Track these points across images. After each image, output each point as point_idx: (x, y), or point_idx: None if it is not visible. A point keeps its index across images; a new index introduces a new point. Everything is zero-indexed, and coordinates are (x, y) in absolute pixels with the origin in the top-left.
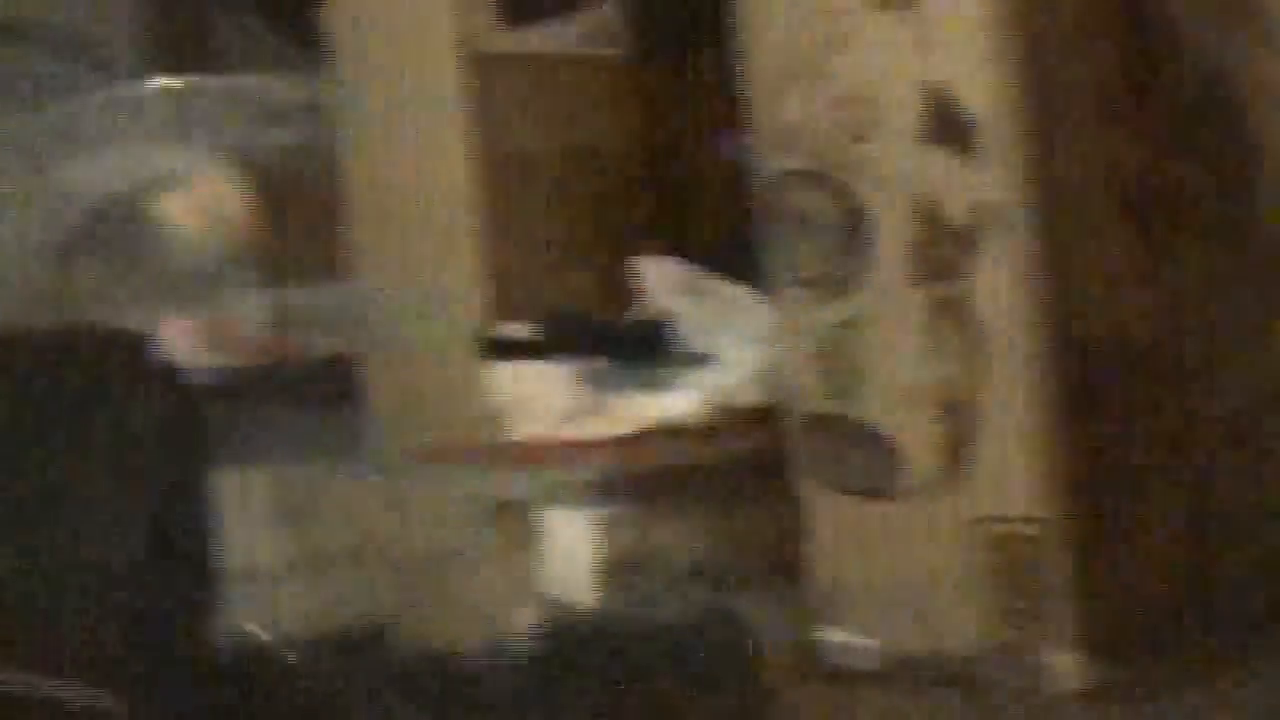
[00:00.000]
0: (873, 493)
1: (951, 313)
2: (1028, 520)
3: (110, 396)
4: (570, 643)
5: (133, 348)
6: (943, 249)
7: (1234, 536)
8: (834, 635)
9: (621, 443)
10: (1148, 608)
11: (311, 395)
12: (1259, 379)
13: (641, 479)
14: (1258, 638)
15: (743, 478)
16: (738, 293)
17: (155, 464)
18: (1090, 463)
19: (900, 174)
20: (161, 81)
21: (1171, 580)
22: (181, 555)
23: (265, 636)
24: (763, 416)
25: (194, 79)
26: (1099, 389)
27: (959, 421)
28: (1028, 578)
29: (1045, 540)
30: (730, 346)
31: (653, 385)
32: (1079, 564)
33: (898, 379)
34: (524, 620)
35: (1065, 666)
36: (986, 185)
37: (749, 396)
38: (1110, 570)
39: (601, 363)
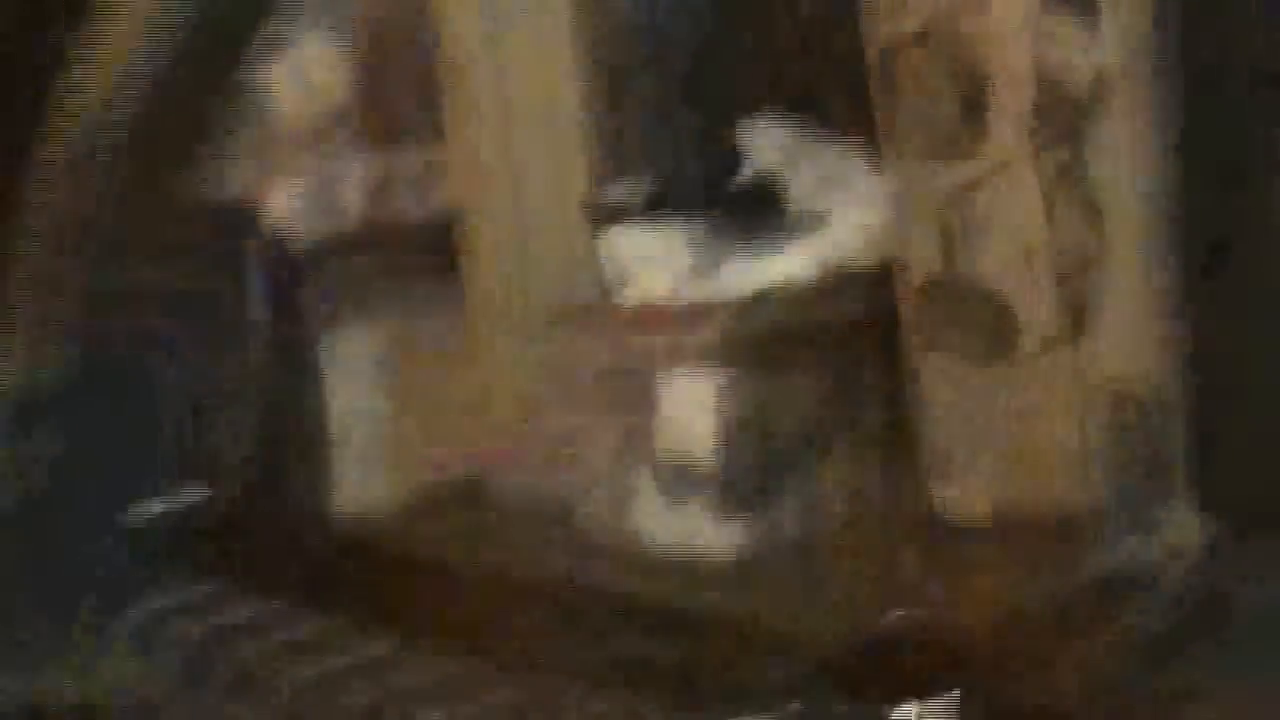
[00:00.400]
0: (988, 355)
1: (1070, 177)
2: (1145, 382)
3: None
4: None
5: (242, 215)
6: (1062, 113)
7: None
8: (947, 492)
9: (735, 306)
10: (1265, 471)
11: (414, 259)
12: None
13: (755, 342)
14: None
15: (857, 340)
16: (850, 154)
17: (264, 326)
18: (1210, 326)
19: (1020, 37)
20: None
21: None
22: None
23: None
24: (877, 279)
25: None
26: (1220, 253)
27: (1076, 285)
28: (1144, 438)
29: (1162, 402)
30: (843, 209)
31: (765, 248)
32: (1196, 425)
33: (1015, 243)
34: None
35: (1179, 527)
36: (1107, 50)
37: (863, 259)
38: (1228, 433)
39: (713, 226)
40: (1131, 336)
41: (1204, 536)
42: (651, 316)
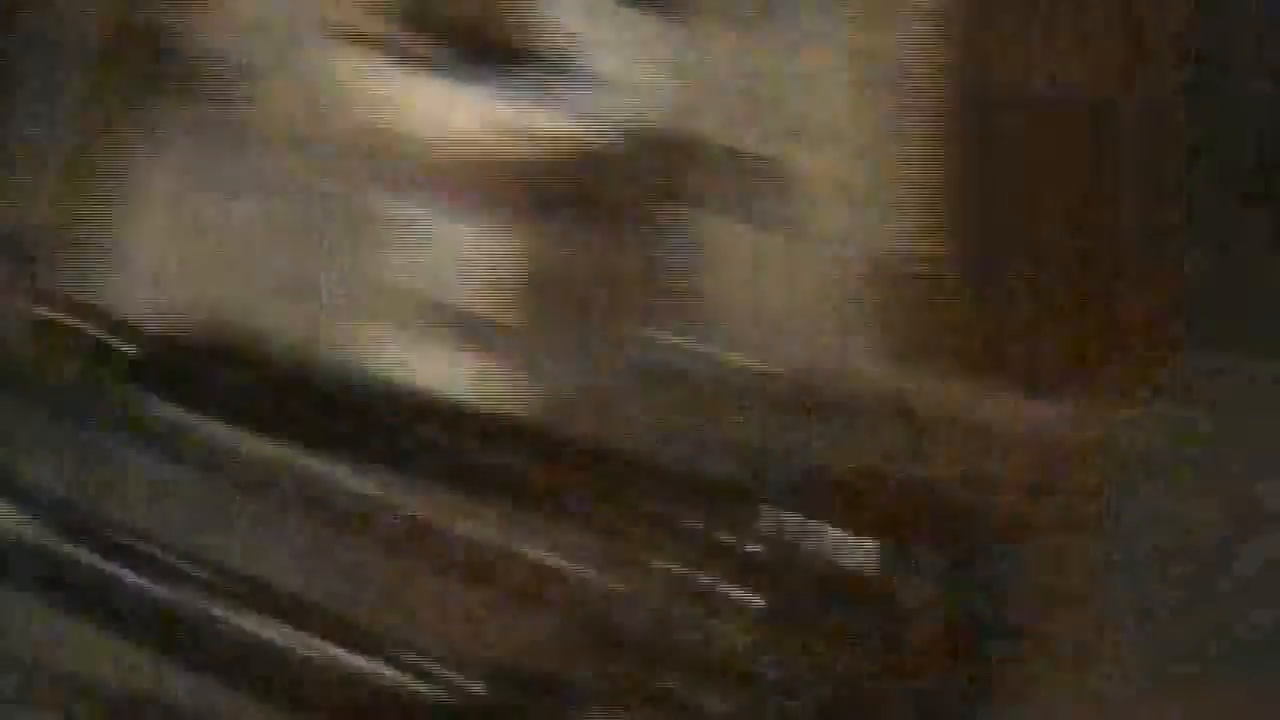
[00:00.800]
0: (770, 225)
1: (863, 55)
2: (920, 258)
3: None
4: None
5: None
6: None
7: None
8: (718, 356)
9: (520, 162)
10: (1030, 345)
11: None
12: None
13: (540, 199)
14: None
15: (639, 201)
16: (643, 17)
17: None
18: (984, 206)
19: None
20: None
21: (1055, 321)
22: None
23: None
24: (665, 143)
25: None
26: (1000, 139)
27: (861, 161)
28: (917, 313)
29: (936, 278)
30: (634, 71)
31: (553, 107)
32: (966, 302)
33: (804, 116)
34: None
35: (949, 396)
36: None
37: (650, 121)
38: (995, 309)
39: (500, 81)
40: (910, 209)
41: (968, 407)
42: (431, 164)
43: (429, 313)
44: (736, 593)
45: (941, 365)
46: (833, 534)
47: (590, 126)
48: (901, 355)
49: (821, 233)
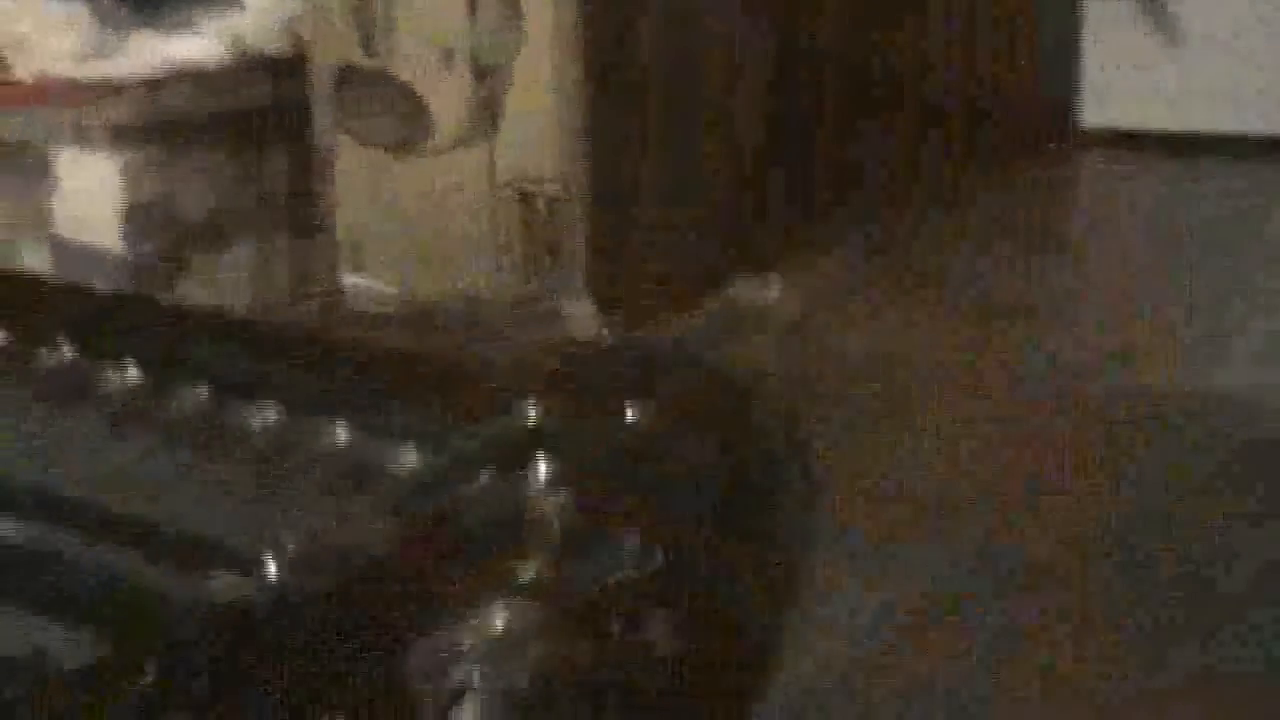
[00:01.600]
0: (400, 147)
1: None
2: (551, 180)
3: None
4: None
5: None
6: None
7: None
8: (355, 281)
9: (138, 86)
10: (655, 265)
11: None
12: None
13: (160, 124)
14: None
15: (268, 126)
16: None
17: None
18: (611, 130)
19: None
20: None
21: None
22: None
23: None
24: (289, 65)
25: None
26: (618, 62)
27: (490, 84)
28: (548, 234)
29: (566, 200)
30: None
31: (173, 27)
32: (596, 223)
33: (433, 39)
34: None
35: (579, 315)
36: None
37: (275, 44)
38: (623, 230)
39: (115, 1)
40: (540, 135)
41: (599, 328)
42: (52, 91)
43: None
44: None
45: (563, 284)
46: None
47: (230, 52)
48: (529, 275)
49: (451, 155)
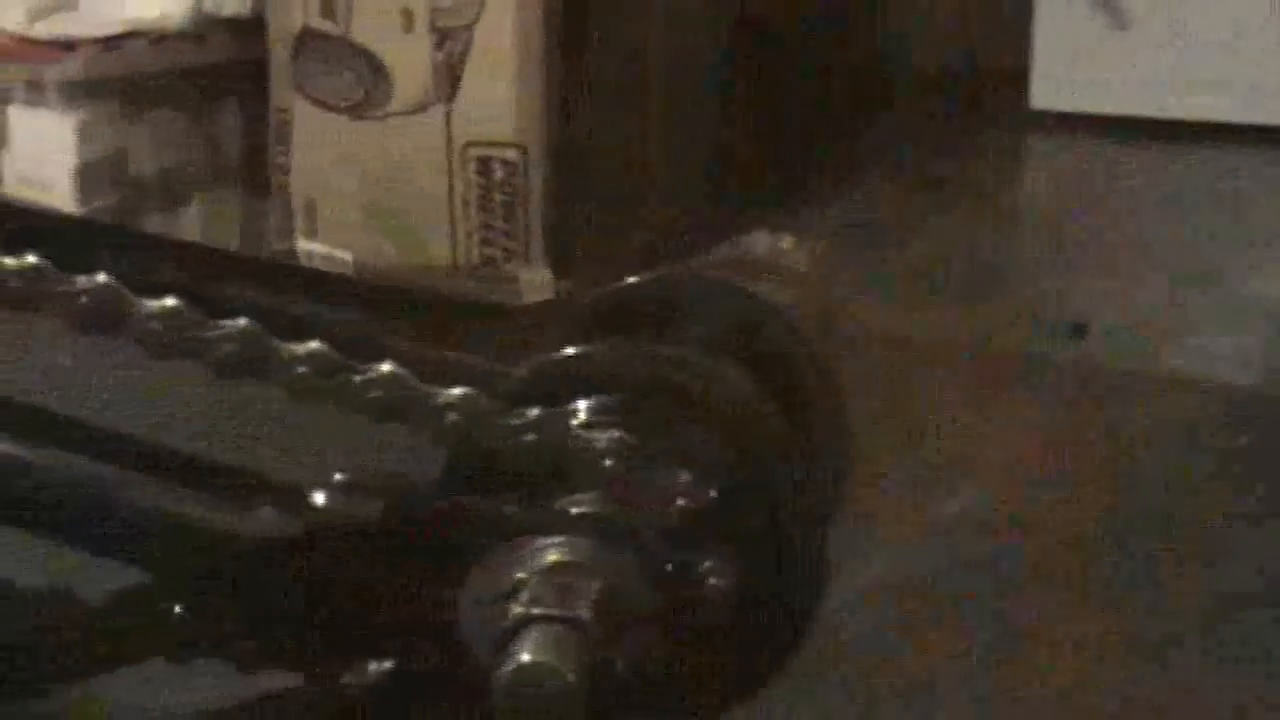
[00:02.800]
0: (359, 111)
1: None
2: (510, 145)
3: None
4: None
5: None
6: None
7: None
8: (310, 246)
9: (97, 44)
10: (614, 232)
11: None
12: None
13: (119, 83)
14: None
15: (225, 86)
16: None
17: None
18: (569, 95)
19: None
20: None
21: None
22: None
23: None
24: (247, 26)
25: None
26: (579, 26)
27: (450, 48)
28: (506, 199)
29: (525, 165)
30: None
31: None
32: (554, 189)
33: (392, 1)
34: None
35: (534, 280)
36: None
37: (235, 4)
38: (580, 195)
39: None
40: (500, 100)
41: (556, 294)
42: (5, 48)
43: None
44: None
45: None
46: None
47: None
48: (486, 241)
49: (413, 122)
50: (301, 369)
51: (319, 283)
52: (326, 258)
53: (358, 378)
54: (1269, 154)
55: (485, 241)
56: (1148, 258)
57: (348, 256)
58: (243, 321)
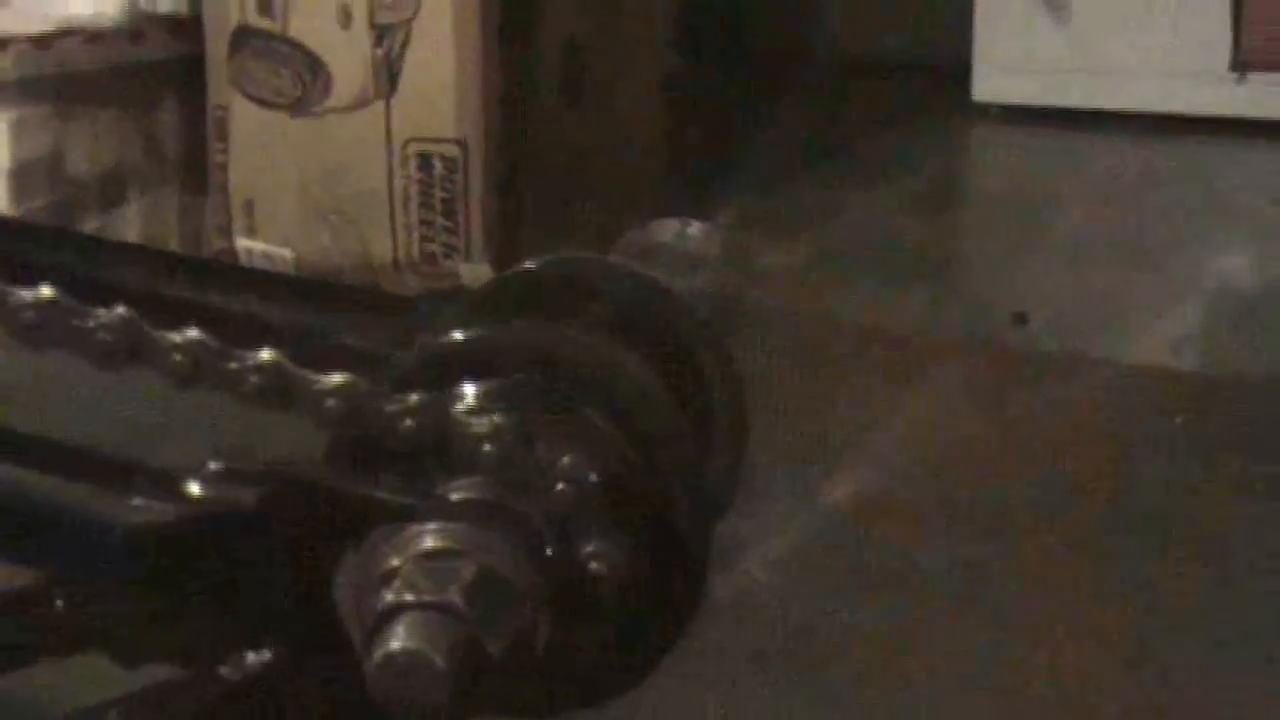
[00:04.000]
0: (298, 108)
1: None
2: (449, 141)
3: None
4: None
5: None
6: None
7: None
8: (250, 244)
9: (30, 42)
10: (554, 227)
11: None
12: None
13: (54, 80)
14: None
15: (161, 85)
16: None
17: None
18: (509, 89)
19: None
20: None
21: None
22: None
23: None
24: (185, 23)
25: None
26: (518, 20)
27: (388, 44)
28: (445, 195)
29: (464, 160)
30: None
31: None
32: (494, 185)
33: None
34: None
35: (473, 275)
36: None
37: (171, 2)
38: (521, 191)
39: None
40: (439, 95)
41: None
42: None
43: None
44: None
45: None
46: None
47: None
48: (426, 237)
49: (353, 119)
50: (179, 356)
51: (192, 267)
52: (266, 255)
53: (236, 364)
54: (1208, 141)
55: (426, 238)
56: (1088, 245)
57: (287, 254)
58: (121, 309)
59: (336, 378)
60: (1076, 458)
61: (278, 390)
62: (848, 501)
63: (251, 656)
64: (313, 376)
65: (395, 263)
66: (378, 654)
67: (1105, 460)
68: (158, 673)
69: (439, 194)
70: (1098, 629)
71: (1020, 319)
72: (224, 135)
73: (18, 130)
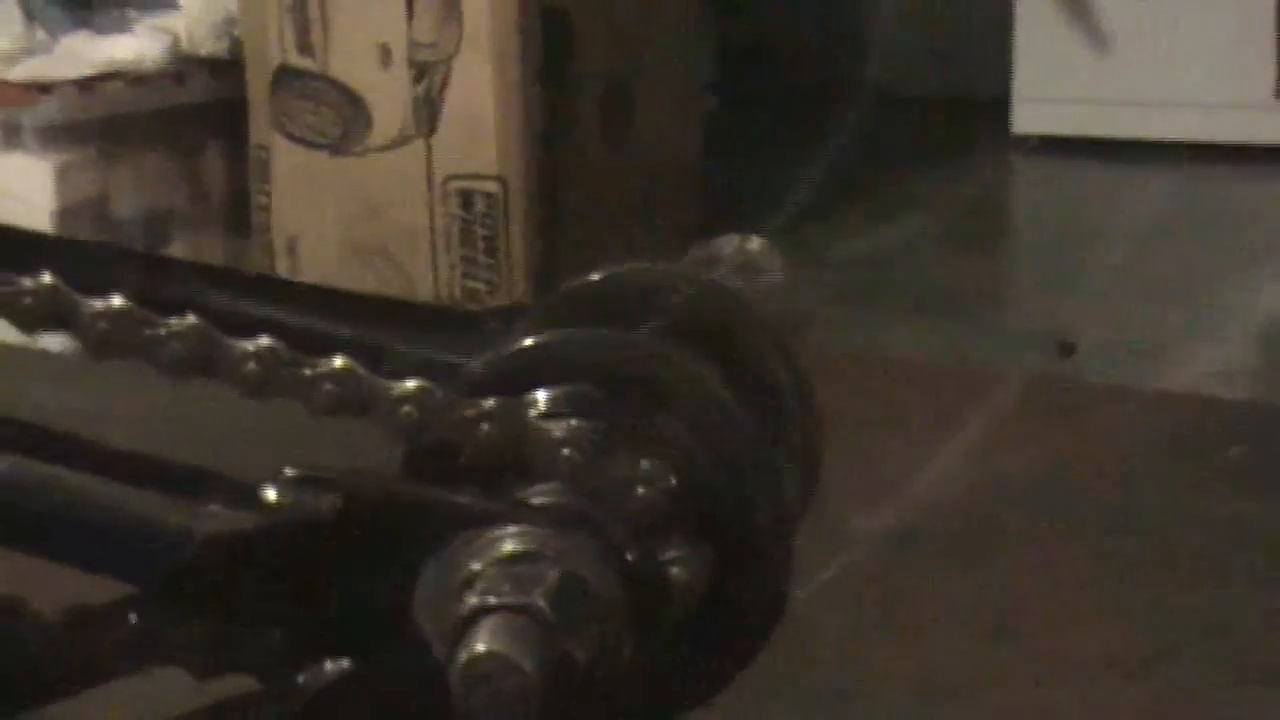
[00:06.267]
0: (339, 147)
1: None
2: (490, 178)
3: None
4: None
5: None
6: None
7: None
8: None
9: (74, 86)
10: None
11: None
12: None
13: (99, 124)
14: None
15: (204, 126)
16: None
17: None
18: (550, 126)
19: None
20: None
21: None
22: None
23: None
24: (225, 65)
25: None
26: (557, 59)
27: (429, 82)
28: (487, 233)
29: (505, 198)
30: None
31: (108, 28)
32: (535, 222)
33: (372, 37)
34: None
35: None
36: None
37: (213, 44)
38: (563, 229)
39: (48, 1)
40: (479, 133)
41: None
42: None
43: None
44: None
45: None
46: None
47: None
48: (467, 275)
49: (393, 157)
50: (252, 365)
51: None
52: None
53: (310, 372)
54: (1251, 171)
55: (467, 275)
56: (1133, 276)
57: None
58: (191, 319)
59: (411, 384)
60: (1126, 489)
61: (352, 399)
62: (889, 531)
63: (329, 666)
64: (387, 384)
65: (437, 299)
66: (462, 658)
67: (1155, 493)
68: (234, 686)
69: (480, 231)
70: (1145, 665)
71: (1068, 349)
72: (266, 175)
73: (63, 173)
